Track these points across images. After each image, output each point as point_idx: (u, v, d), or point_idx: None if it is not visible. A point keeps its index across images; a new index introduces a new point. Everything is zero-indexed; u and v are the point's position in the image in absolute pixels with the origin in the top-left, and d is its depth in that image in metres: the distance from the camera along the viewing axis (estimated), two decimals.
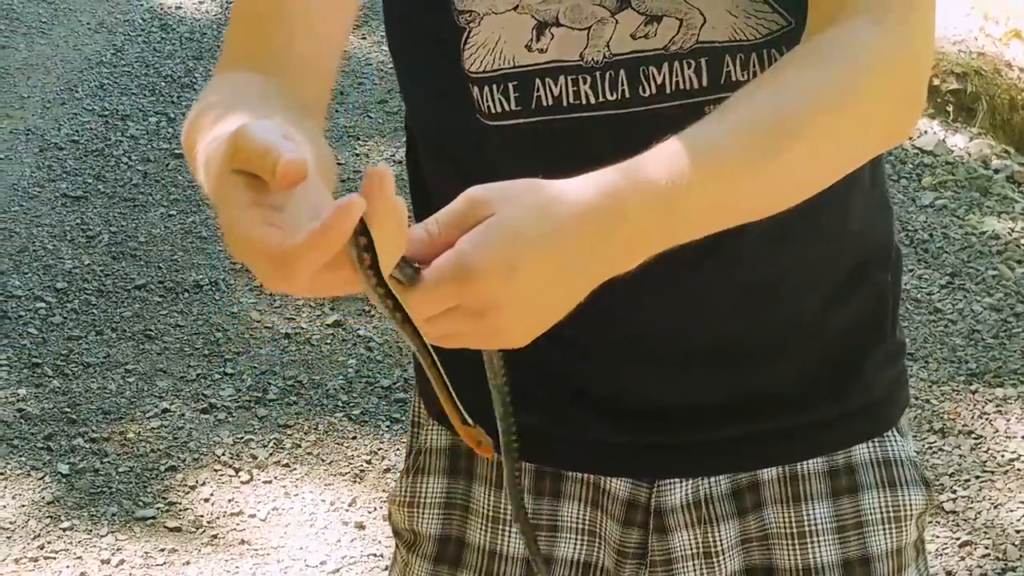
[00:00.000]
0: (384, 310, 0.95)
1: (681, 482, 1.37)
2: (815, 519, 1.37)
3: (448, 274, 0.96)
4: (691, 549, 1.38)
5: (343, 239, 0.86)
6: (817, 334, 1.37)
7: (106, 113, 4.78)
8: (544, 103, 1.25)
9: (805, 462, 1.37)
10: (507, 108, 1.26)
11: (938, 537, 3.13)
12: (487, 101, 1.26)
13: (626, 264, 1.03)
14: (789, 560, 1.37)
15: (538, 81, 1.25)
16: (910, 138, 4.79)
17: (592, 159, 1.24)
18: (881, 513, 1.38)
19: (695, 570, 1.38)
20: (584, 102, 1.25)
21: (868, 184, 1.37)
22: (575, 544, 1.41)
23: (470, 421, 1.09)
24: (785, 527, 1.37)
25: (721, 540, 1.38)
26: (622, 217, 1.00)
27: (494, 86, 1.26)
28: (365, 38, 5.27)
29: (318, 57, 1.25)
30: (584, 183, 1.01)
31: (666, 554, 1.38)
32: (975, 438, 3.42)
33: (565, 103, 1.25)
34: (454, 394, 1.07)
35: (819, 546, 1.37)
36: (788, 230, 1.30)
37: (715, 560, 1.38)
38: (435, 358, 1.02)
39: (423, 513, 1.45)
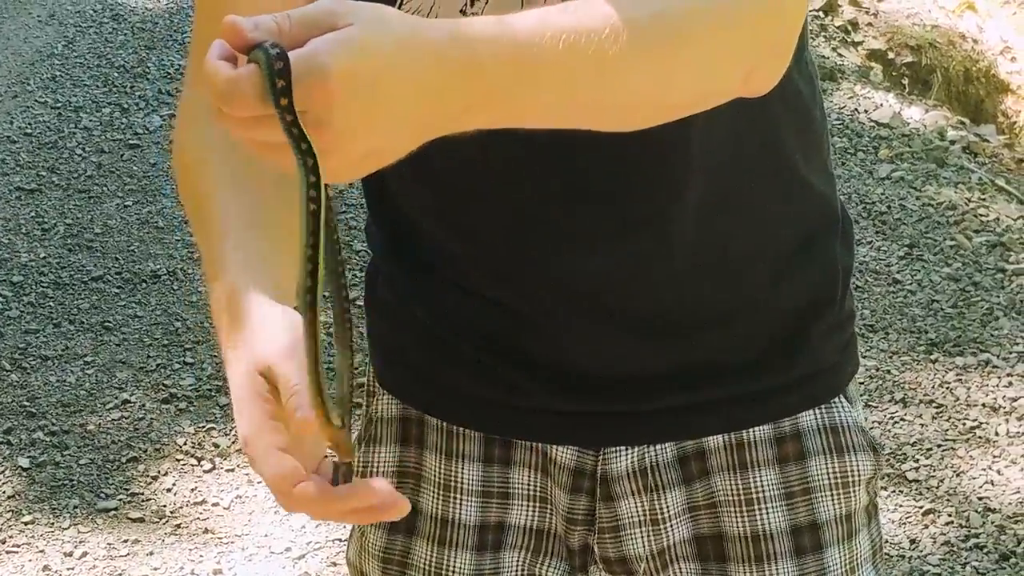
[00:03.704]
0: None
1: (626, 450, 1.37)
2: (762, 486, 1.37)
3: (297, 69, 0.88)
4: (638, 516, 1.38)
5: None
6: (764, 304, 1.37)
7: (59, 105, 4.74)
8: None
9: (751, 430, 1.37)
10: None
11: (901, 506, 3.14)
12: None
13: (471, 119, 0.98)
14: (738, 527, 1.38)
15: None
16: (866, 111, 4.79)
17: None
18: (828, 479, 1.38)
19: (643, 537, 1.38)
20: None
21: (806, 153, 1.36)
22: (527, 511, 1.41)
23: (337, 422, 1.00)
24: (733, 495, 1.37)
25: (667, 507, 1.38)
26: (478, 68, 0.96)
27: None
28: None
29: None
30: (443, 29, 0.95)
31: (613, 521, 1.39)
32: (936, 407, 3.44)
33: None
34: (324, 386, 0.98)
35: (767, 513, 1.37)
36: (724, 200, 1.30)
37: (662, 527, 1.38)
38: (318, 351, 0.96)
39: None
